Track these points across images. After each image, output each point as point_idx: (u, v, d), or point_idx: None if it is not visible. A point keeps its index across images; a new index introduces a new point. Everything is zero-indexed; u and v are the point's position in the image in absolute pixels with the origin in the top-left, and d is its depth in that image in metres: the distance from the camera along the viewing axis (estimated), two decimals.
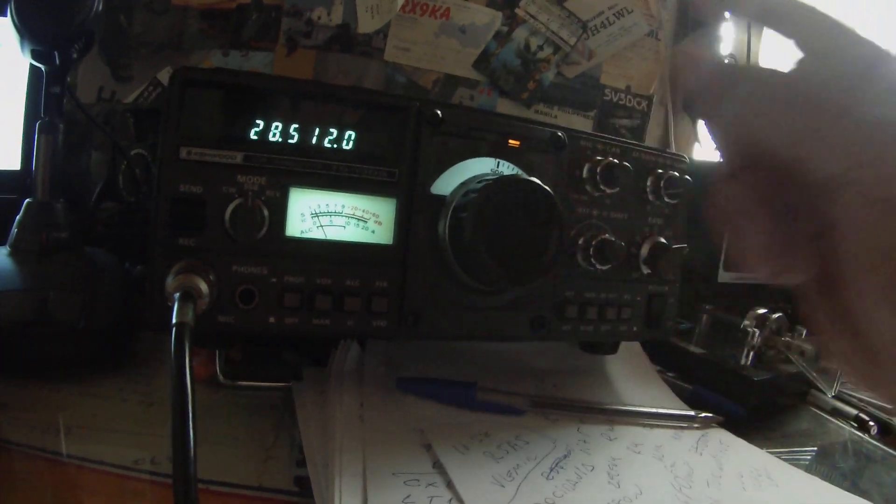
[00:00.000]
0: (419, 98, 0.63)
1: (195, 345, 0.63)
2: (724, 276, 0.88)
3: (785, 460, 0.67)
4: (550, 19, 1.14)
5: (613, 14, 1.16)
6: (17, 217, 0.71)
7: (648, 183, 0.71)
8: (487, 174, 0.62)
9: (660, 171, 0.71)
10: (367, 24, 1.07)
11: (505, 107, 1.14)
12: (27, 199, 0.72)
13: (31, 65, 0.80)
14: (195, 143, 0.55)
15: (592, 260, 0.66)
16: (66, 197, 0.76)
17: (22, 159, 0.87)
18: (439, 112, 0.61)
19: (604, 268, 0.67)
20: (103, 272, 0.72)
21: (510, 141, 0.64)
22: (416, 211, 0.61)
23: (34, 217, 0.71)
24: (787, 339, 0.81)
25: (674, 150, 1.18)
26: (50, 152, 0.73)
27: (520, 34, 1.13)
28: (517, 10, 1.13)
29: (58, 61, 0.68)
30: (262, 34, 1.05)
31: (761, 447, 0.69)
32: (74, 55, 0.69)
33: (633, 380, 0.78)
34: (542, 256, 0.60)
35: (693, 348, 0.85)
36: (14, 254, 0.69)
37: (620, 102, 1.20)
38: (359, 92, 0.70)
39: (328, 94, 0.61)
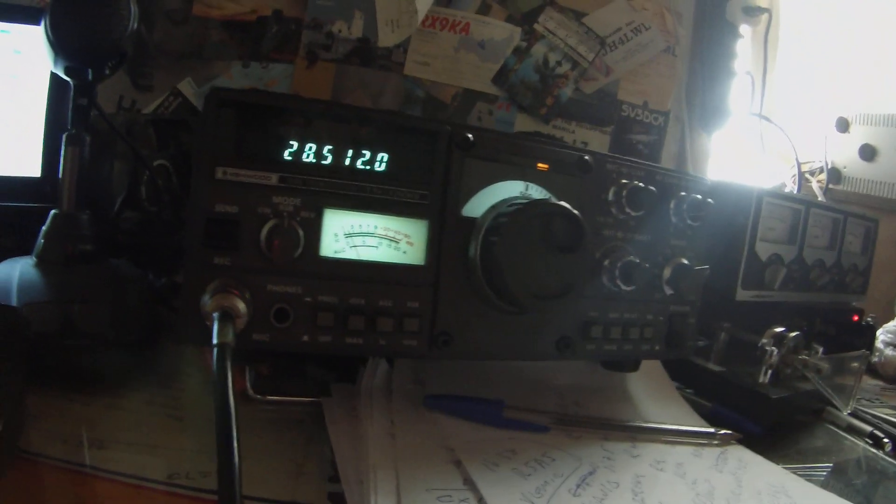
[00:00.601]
0: (451, 122, 0.64)
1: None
2: (742, 295, 0.90)
3: (801, 476, 0.69)
4: (569, 35, 1.16)
5: (631, 30, 1.18)
6: (43, 228, 0.71)
7: (672, 206, 0.73)
8: (517, 197, 0.64)
9: (682, 193, 0.73)
10: (387, 38, 1.09)
11: (523, 122, 1.16)
12: (53, 211, 0.72)
13: (52, 72, 0.81)
14: (230, 164, 0.57)
15: (618, 281, 0.68)
16: (89, 207, 0.77)
17: (42, 167, 0.88)
18: (470, 136, 0.63)
19: (628, 289, 0.69)
20: (129, 284, 0.73)
21: (539, 164, 0.66)
22: (447, 233, 0.62)
23: (60, 228, 0.72)
24: (804, 357, 0.83)
25: (690, 165, 1.22)
26: (76, 164, 0.73)
27: (538, 49, 1.15)
28: (536, 26, 1.15)
29: (90, 77, 0.69)
30: (283, 46, 1.06)
31: (778, 464, 0.71)
32: (107, 72, 0.70)
33: (653, 397, 0.80)
34: (571, 280, 0.62)
35: (711, 366, 0.87)
36: (40, 265, 0.70)
37: (637, 118, 1.22)
38: (392, 115, 0.72)
39: (362, 116, 0.62)
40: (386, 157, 0.62)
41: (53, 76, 0.85)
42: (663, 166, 0.84)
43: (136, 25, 0.69)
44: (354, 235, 0.61)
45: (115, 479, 0.54)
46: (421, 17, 1.08)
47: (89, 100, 0.74)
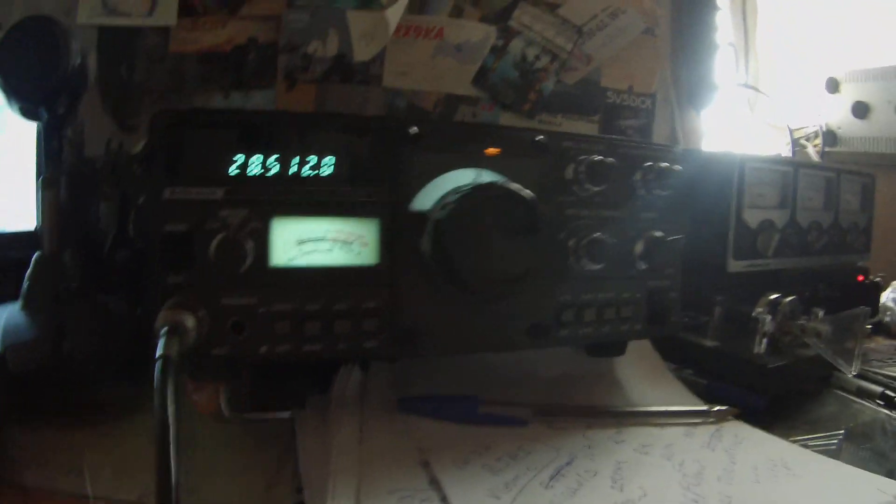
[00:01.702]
0: (394, 117, 0.63)
1: (196, 379, 0.65)
2: (734, 266, 0.86)
3: (811, 447, 0.65)
4: (545, 28, 1.13)
5: (607, 15, 1.15)
6: (27, 272, 0.72)
7: (637, 177, 0.69)
8: (466, 186, 0.61)
9: (648, 164, 0.70)
10: (362, 53, 1.07)
11: (508, 120, 1.13)
12: (36, 254, 0.72)
13: (37, 126, 0.82)
14: (177, 183, 0.56)
15: (584, 260, 0.65)
16: (81, 248, 0.77)
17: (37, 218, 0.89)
18: (415, 129, 0.61)
19: (598, 267, 0.65)
20: (114, 318, 0.73)
21: (489, 150, 0.64)
22: (399, 229, 0.61)
23: (43, 271, 0.72)
24: (802, 322, 0.79)
25: (682, 145, 1.18)
26: (53, 206, 0.73)
27: (515, 46, 1.12)
28: (510, 23, 1.12)
29: (46, 116, 0.69)
30: (262, 72, 1.06)
31: (786, 436, 0.67)
32: (61, 110, 0.70)
33: (644, 380, 0.76)
34: (529, 263, 0.59)
35: (706, 342, 0.83)
36: (26, 307, 0.70)
37: (624, 104, 1.18)
38: (334, 117, 0.70)
39: (304, 122, 0.61)
40: (332, 159, 0.60)
41: (38, 130, 0.86)
42: (625, 138, 0.81)
43: (79, 61, 0.69)
44: (306, 242, 0.59)
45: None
46: (393, 27, 1.06)
47: (59, 142, 0.74)
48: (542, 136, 0.65)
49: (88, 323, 0.70)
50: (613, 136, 0.68)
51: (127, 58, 1.02)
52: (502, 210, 0.58)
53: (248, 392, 0.70)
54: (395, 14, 1.05)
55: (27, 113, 0.69)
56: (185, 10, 1.02)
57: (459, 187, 0.60)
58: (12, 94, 0.67)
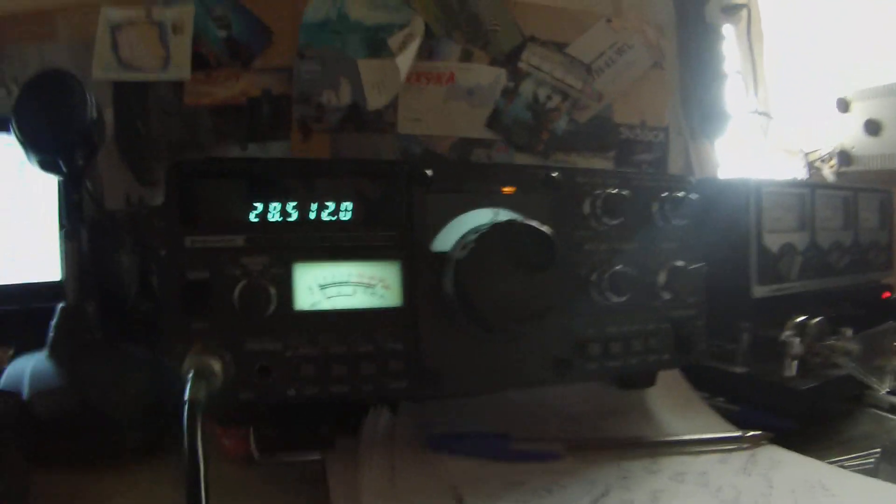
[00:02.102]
0: (408, 160, 0.63)
1: (225, 424, 0.64)
2: (759, 291, 0.85)
3: (847, 468, 0.64)
4: (554, 67, 1.14)
5: (614, 52, 1.16)
6: (52, 322, 0.73)
7: (655, 209, 0.69)
8: (484, 225, 0.61)
9: (664, 194, 0.69)
10: (375, 101, 1.08)
11: (522, 161, 1.13)
12: (60, 304, 0.74)
13: (58, 187, 0.83)
14: (198, 232, 0.57)
15: (607, 293, 0.64)
16: (103, 298, 0.78)
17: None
18: (428, 171, 0.61)
19: (621, 300, 0.65)
20: (136, 366, 0.74)
21: (504, 189, 0.64)
22: (420, 270, 0.60)
23: (67, 321, 0.73)
24: (831, 342, 0.77)
25: (696, 176, 1.17)
26: (75, 258, 0.75)
27: (526, 87, 1.13)
28: (520, 64, 1.13)
29: (64, 169, 0.70)
30: (277, 123, 1.07)
31: (821, 458, 0.66)
32: (80, 161, 0.71)
33: (675, 410, 0.75)
34: (549, 299, 0.59)
35: (735, 369, 0.81)
36: (52, 356, 0.72)
37: (637, 138, 1.18)
38: (349, 163, 0.71)
39: (321, 169, 0.62)
40: (350, 204, 0.60)
41: (59, 184, 0.87)
42: (640, 170, 0.81)
43: (94, 115, 0.70)
44: (329, 286, 0.59)
45: None
46: (404, 74, 1.07)
47: (79, 194, 0.75)
48: (556, 172, 0.65)
49: (112, 370, 0.71)
50: (627, 170, 0.68)
51: (142, 112, 1.03)
52: (522, 247, 0.58)
53: (278, 434, 0.69)
54: (405, 61, 1.07)
55: (45, 165, 0.70)
56: (199, 64, 1.04)
57: (478, 227, 0.60)
58: (30, 147, 0.68)
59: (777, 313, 0.83)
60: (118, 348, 0.76)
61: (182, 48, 1.03)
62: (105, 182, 1.00)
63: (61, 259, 0.75)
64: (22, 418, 0.63)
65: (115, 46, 1.02)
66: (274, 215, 0.59)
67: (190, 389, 0.50)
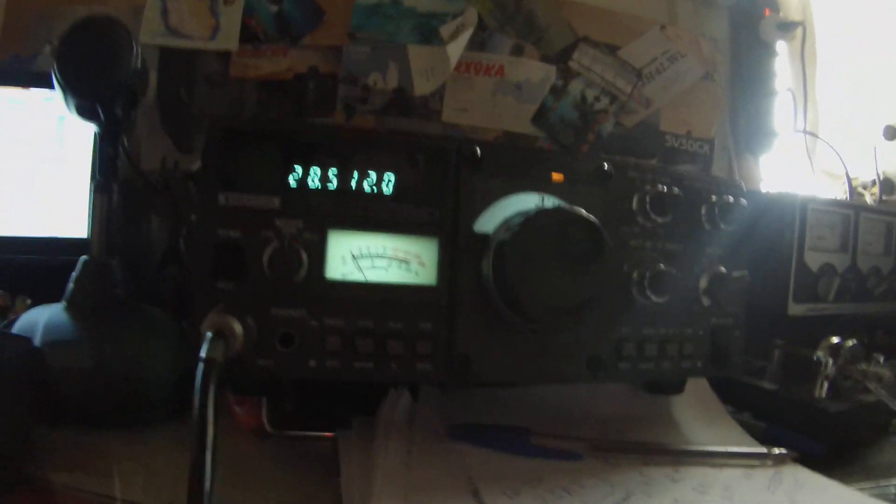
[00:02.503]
0: (458, 137, 0.60)
1: (239, 393, 0.61)
2: (795, 309, 0.81)
3: (869, 494, 0.60)
4: (605, 69, 1.11)
5: (667, 59, 1.13)
6: (74, 273, 0.71)
7: (703, 211, 0.65)
8: (531, 209, 0.58)
9: (713, 198, 0.66)
10: (422, 87, 1.06)
11: None
12: (83, 257, 0.72)
13: (94, 138, 0.81)
14: (233, 189, 0.54)
15: (648, 293, 0.61)
16: (129, 261, 0.76)
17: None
18: (478, 150, 0.58)
19: (661, 300, 0.61)
20: (157, 327, 0.71)
21: (553, 175, 0.60)
22: (459, 250, 0.57)
23: (89, 274, 0.71)
24: (864, 367, 0.73)
25: None
26: (104, 212, 0.73)
27: (575, 87, 1.10)
28: (571, 63, 1.10)
29: (102, 117, 0.67)
30: (321, 103, 1.04)
31: (844, 483, 0.62)
32: (119, 111, 0.69)
33: (701, 420, 0.71)
34: (591, 293, 0.55)
35: (765, 384, 0.78)
36: (69, 308, 0.69)
37: (682, 148, 1.15)
38: (397, 135, 0.68)
39: (367, 139, 0.59)
40: (393, 177, 0.57)
41: (94, 142, 0.85)
42: (692, 170, 0.77)
43: (139, 64, 0.67)
44: (363, 257, 0.56)
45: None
46: (454, 63, 1.04)
47: (114, 148, 0.73)
48: (607, 164, 0.62)
49: (131, 329, 0.68)
50: (679, 170, 0.64)
51: (187, 81, 1.01)
52: (567, 236, 0.55)
53: (292, 409, 0.66)
54: (455, 50, 1.04)
55: (83, 111, 0.68)
56: (248, 36, 1.02)
57: (524, 210, 0.57)
58: (69, 90, 0.65)
59: (810, 333, 0.79)
60: (139, 308, 0.74)
61: (232, 19, 1.01)
62: (143, 145, 0.99)
63: (90, 211, 0.73)
64: (32, 365, 0.61)
65: (164, 13, 1.00)
66: (314, 181, 0.56)
67: (207, 348, 0.47)
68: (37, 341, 0.64)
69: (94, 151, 0.78)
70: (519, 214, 0.56)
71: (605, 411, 0.70)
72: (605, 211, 0.61)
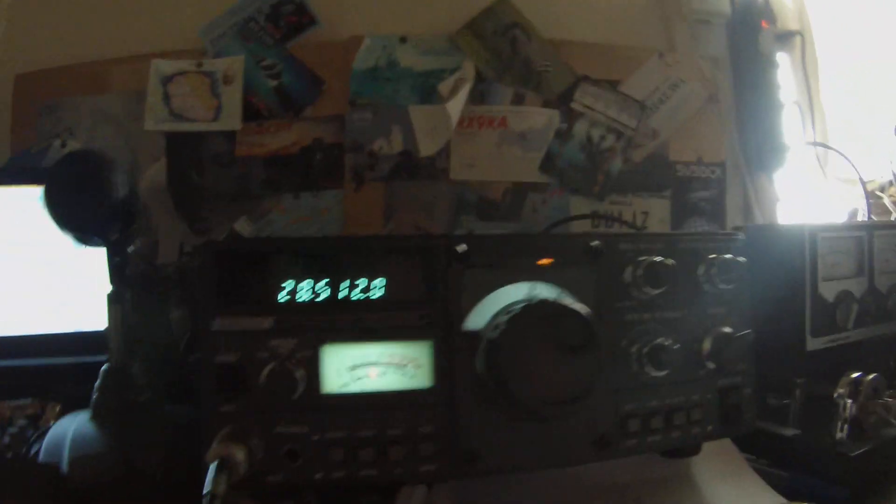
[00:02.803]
0: (444, 235, 0.60)
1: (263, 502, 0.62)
2: (813, 344, 0.78)
3: None
4: (607, 106, 1.09)
5: (668, 87, 1.11)
6: (97, 383, 0.72)
7: (701, 272, 0.64)
8: (517, 306, 0.57)
9: (711, 256, 0.64)
10: (427, 147, 1.05)
11: (577, 204, 1.08)
12: (104, 366, 0.73)
13: None
14: (227, 314, 0.55)
15: (647, 368, 0.60)
16: (150, 357, 0.77)
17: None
18: (464, 245, 0.58)
19: (661, 374, 0.60)
20: (182, 429, 0.71)
21: (541, 261, 0.60)
22: (454, 350, 0.57)
23: (111, 382, 0.72)
24: (886, 399, 0.71)
25: (757, 213, 1.11)
26: (119, 320, 0.74)
27: (580, 128, 1.09)
28: (573, 105, 1.09)
29: (100, 242, 0.69)
30: (329, 173, 1.05)
31: None
32: (115, 235, 0.70)
33: (722, 479, 0.69)
34: (586, 380, 0.55)
35: (784, 430, 0.75)
36: (95, 418, 0.70)
37: (694, 175, 1.12)
38: (382, 239, 0.68)
39: (352, 246, 0.59)
40: (383, 281, 0.58)
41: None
42: (686, 231, 0.75)
43: (126, 191, 0.68)
44: (358, 367, 0.56)
45: None
46: (455, 119, 1.04)
47: (122, 258, 0.74)
48: (596, 241, 0.61)
49: (155, 436, 0.69)
50: (674, 232, 0.63)
51: (195, 162, 1.03)
52: (557, 327, 0.54)
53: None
54: (456, 106, 1.04)
55: (81, 241, 0.69)
56: (250, 114, 1.03)
57: (511, 305, 0.56)
58: (64, 226, 0.67)
59: (832, 365, 0.76)
60: (163, 412, 0.75)
61: (233, 98, 1.02)
62: (160, 232, 1.00)
63: (107, 321, 0.74)
64: (58, 489, 0.62)
65: (166, 97, 1.02)
66: (303, 295, 0.57)
67: (210, 482, 0.48)
68: (65, 457, 0.65)
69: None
70: (505, 311, 0.56)
71: (621, 481, 0.69)
72: (597, 289, 0.61)
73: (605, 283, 0.61)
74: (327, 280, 0.57)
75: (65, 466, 0.64)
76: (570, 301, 0.56)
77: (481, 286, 0.58)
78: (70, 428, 0.69)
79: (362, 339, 0.56)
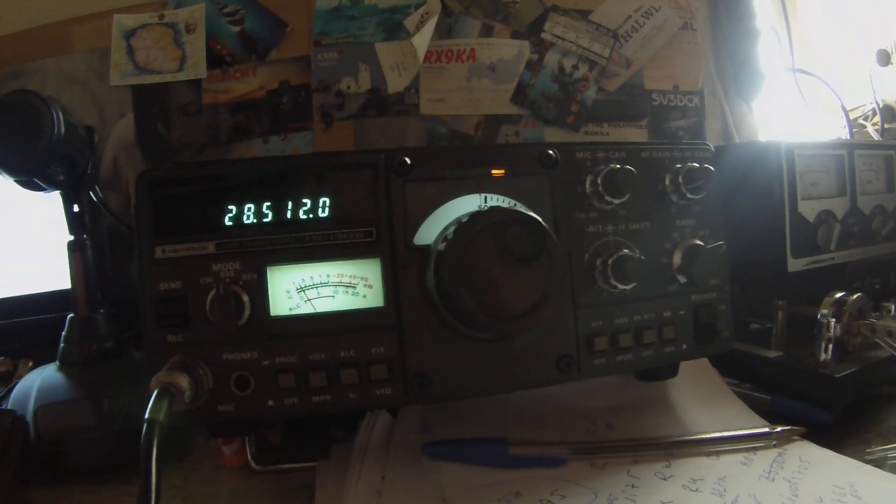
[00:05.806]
0: (385, 149, 0.55)
1: (217, 435, 0.59)
2: (794, 265, 0.74)
3: (890, 459, 0.55)
4: (579, 36, 1.04)
5: (641, 15, 1.06)
6: (63, 333, 0.72)
7: (667, 182, 0.60)
8: (465, 215, 0.53)
9: (678, 165, 0.60)
10: (395, 84, 1.01)
11: (553, 135, 1.04)
12: (69, 315, 0.72)
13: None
14: (167, 241, 0.52)
15: (613, 281, 0.56)
16: (114, 307, 0.75)
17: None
18: (407, 159, 0.54)
19: (629, 287, 0.57)
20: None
21: (493, 171, 0.56)
22: (401, 266, 0.54)
23: (77, 331, 0.72)
24: (872, 320, 0.67)
25: (737, 140, 1.07)
26: (81, 268, 0.73)
27: (551, 58, 1.04)
28: (543, 35, 1.04)
29: (45, 186, 0.68)
30: (297, 115, 1.01)
31: (860, 451, 0.57)
32: (60, 177, 0.68)
33: (700, 402, 0.66)
34: (542, 293, 0.50)
35: (767, 352, 0.71)
36: (62, 368, 0.71)
37: (671, 104, 1.07)
38: (321, 156, 0.65)
39: (293, 165, 0.55)
40: (328, 200, 0.54)
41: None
42: (650, 141, 0.71)
43: (62, 130, 0.66)
44: (308, 288, 0.53)
45: None
46: (422, 54, 0.99)
47: (80, 205, 0.73)
48: (551, 150, 0.57)
49: (120, 383, 0.67)
50: (635, 142, 0.59)
51: (163, 114, 0.99)
52: (506, 237, 0.50)
53: (278, 442, 0.64)
54: (422, 41, 0.99)
55: (25, 185, 0.68)
56: (214, 61, 0.99)
57: (460, 217, 0.53)
58: (4, 171, 0.65)
59: (816, 288, 0.72)
60: (128, 357, 0.74)
61: (196, 46, 0.98)
62: (130, 186, 0.97)
63: (69, 270, 0.74)
64: (20, 436, 0.60)
65: (130, 52, 0.98)
66: (249, 217, 0.53)
67: (150, 409, 0.46)
68: (31, 406, 0.64)
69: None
70: (455, 221, 0.52)
71: (593, 405, 0.65)
72: (554, 200, 0.57)
73: (563, 194, 0.57)
74: (270, 202, 0.53)
75: (29, 416, 0.63)
76: (519, 208, 0.52)
77: (429, 200, 0.54)
78: (38, 378, 0.69)
79: (308, 258, 0.53)
